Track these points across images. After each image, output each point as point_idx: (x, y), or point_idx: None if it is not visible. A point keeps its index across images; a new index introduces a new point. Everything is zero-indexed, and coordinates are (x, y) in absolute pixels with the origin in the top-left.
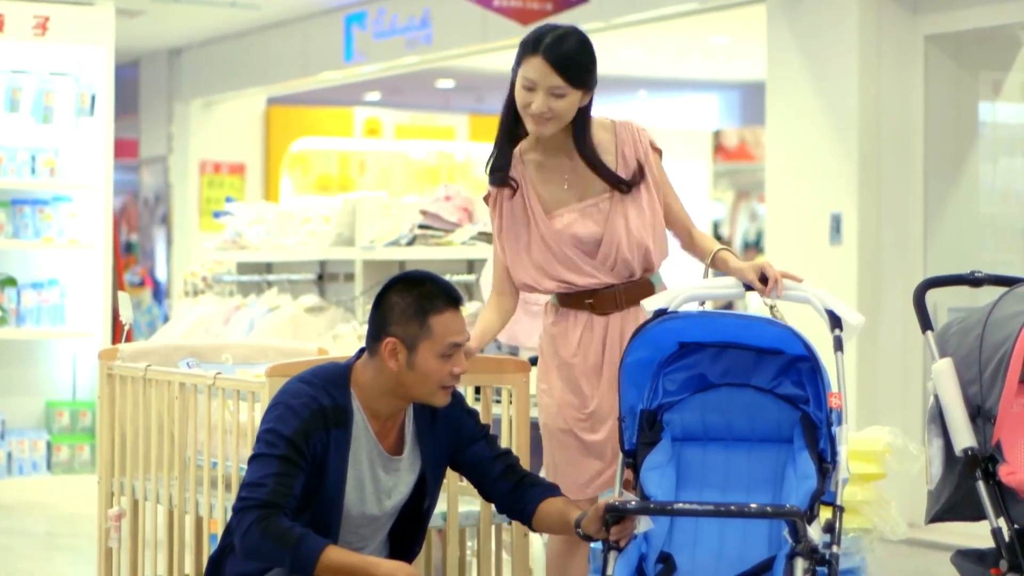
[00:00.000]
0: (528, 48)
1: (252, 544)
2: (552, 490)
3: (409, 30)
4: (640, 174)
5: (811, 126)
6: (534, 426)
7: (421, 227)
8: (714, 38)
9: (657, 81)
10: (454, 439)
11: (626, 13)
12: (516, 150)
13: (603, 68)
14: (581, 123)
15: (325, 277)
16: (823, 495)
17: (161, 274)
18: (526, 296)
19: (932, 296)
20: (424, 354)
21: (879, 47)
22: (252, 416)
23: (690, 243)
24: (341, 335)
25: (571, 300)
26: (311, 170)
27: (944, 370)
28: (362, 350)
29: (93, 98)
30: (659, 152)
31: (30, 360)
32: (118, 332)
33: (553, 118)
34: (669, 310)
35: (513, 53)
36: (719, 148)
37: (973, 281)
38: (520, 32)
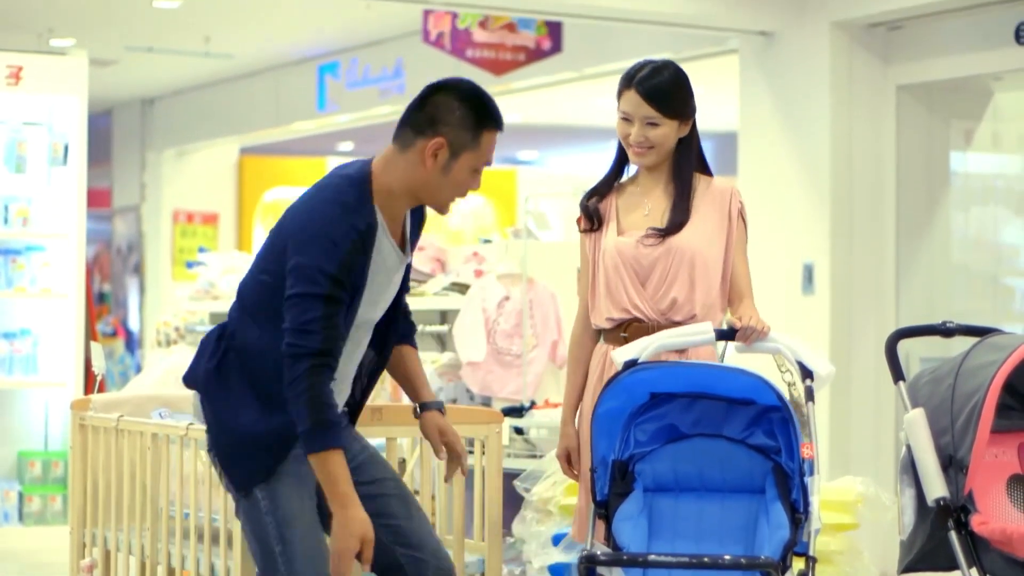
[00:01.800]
0: (624, 82)
1: (296, 392)
2: (408, 337)
3: (382, 80)
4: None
5: (783, 175)
6: (507, 476)
7: None
8: None
9: None
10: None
11: (598, 64)
12: (617, 181)
13: (576, 118)
14: (682, 154)
15: None
16: (796, 545)
17: (134, 324)
18: (500, 346)
19: (904, 346)
20: (463, 163)
21: (851, 97)
22: None
23: (734, 308)
24: None
25: (610, 336)
26: None
27: (916, 420)
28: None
29: (66, 147)
30: (744, 224)
31: (2, 410)
32: (90, 382)
33: (651, 147)
34: (640, 360)
35: None
36: None
37: (945, 331)
38: (493, 82)
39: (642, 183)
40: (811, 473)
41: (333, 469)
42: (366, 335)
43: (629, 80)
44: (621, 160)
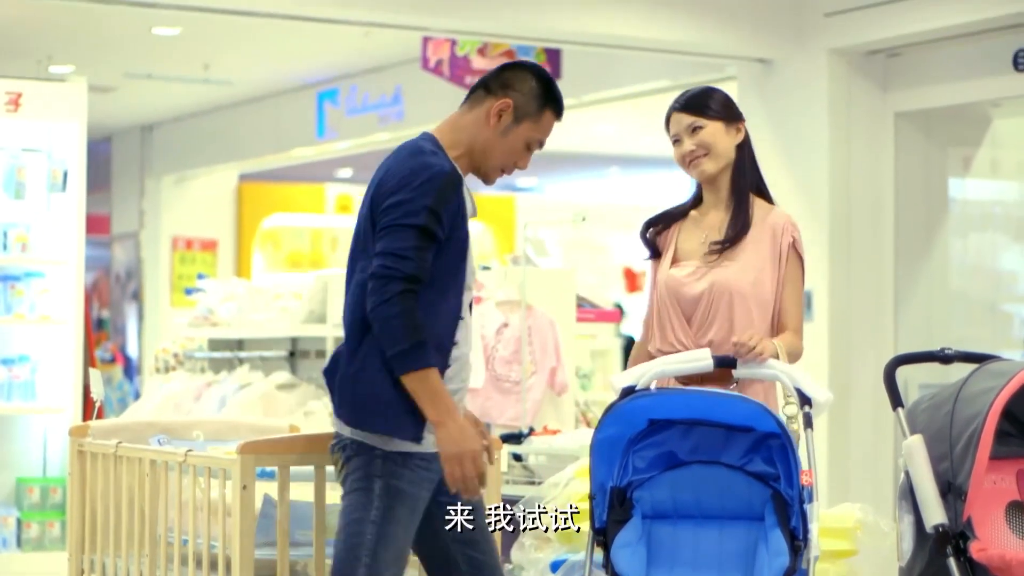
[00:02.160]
0: (667, 114)
1: (390, 313)
2: None
3: (381, 107)
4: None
5: (781, 202)
6: (505, 502)
7: None
8: None
9: (629, 157)
10: None
11: (598, 90)
12: (683, 213)
13: (575, 144)
14: (739, 164)
15: (297, 354)
16: (795, 573)
17: (132, 350)
18: (498, 373)
19: (903, 372)
20: (522, 131)
21: (849, 124)
22: (223, 493)
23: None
24: (312, 412)
25: None
26: (283, 246)
27: (915, 447)
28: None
29: (65, 174)
30: (800, 257)
31: (0, 435)
32: (89, 409)
33: (705, 153)
34: (638, 387)
35: None
36: None
37: (943, 358)
38: None
39: (704, 206)
40: (810, 500)
41: (434, 384)
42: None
43: (670, 109)
44: (697, 194)
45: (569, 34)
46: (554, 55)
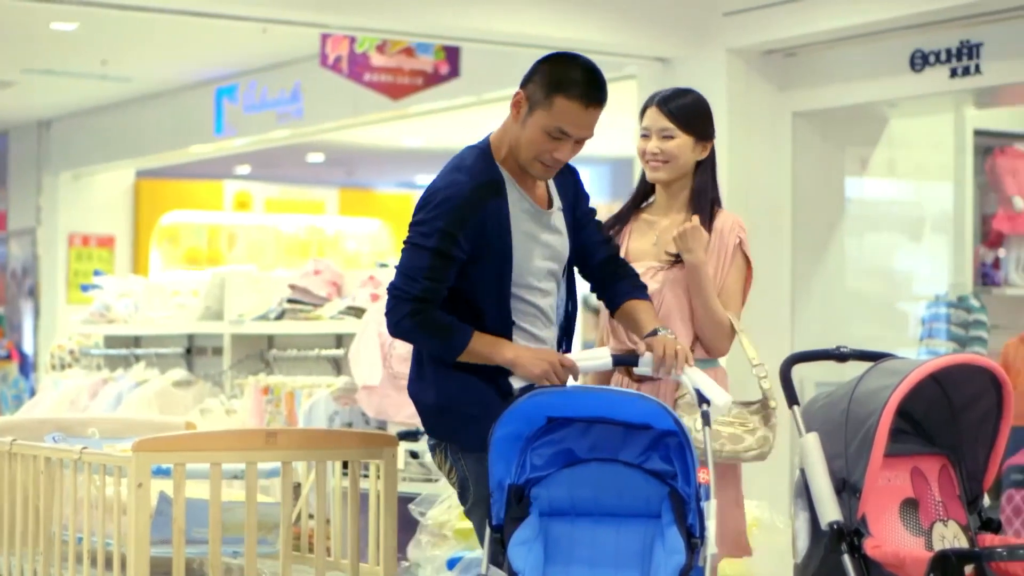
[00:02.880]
0: (647, 102)
1: (405, 331)
2: (638, 291)
3: (280, 103)
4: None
5: None
6: (402, 500)
7: (290, 301)
8: None
9: None
10: (576, 204)
11: (496, 88)
12: (636, 208)
13: (473, 143)
14: (701, 179)
15: (193, 351)
16: (692, 570)
17: (28, 347)
18: (395, 371)
19: (799, 371)
20: (535, 120)
21: (747, 123)
22: (118, 491)
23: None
24: (209, 409)
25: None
26: (180, 243)
27: (810, 444)
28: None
29: None
30: (745, 257)
31: None
32: None
33: (666, 161)
34: (537, 385)
35: (384, 128)
36: None
37: (839, 356)
38: (390, 106)
39: (656, 209)
40: (707, 498)
41: (482, 347)
42: (544, 297)
43: (653, 99)
44: (641, 188)
45: (468, 31)
46: (453, 53)
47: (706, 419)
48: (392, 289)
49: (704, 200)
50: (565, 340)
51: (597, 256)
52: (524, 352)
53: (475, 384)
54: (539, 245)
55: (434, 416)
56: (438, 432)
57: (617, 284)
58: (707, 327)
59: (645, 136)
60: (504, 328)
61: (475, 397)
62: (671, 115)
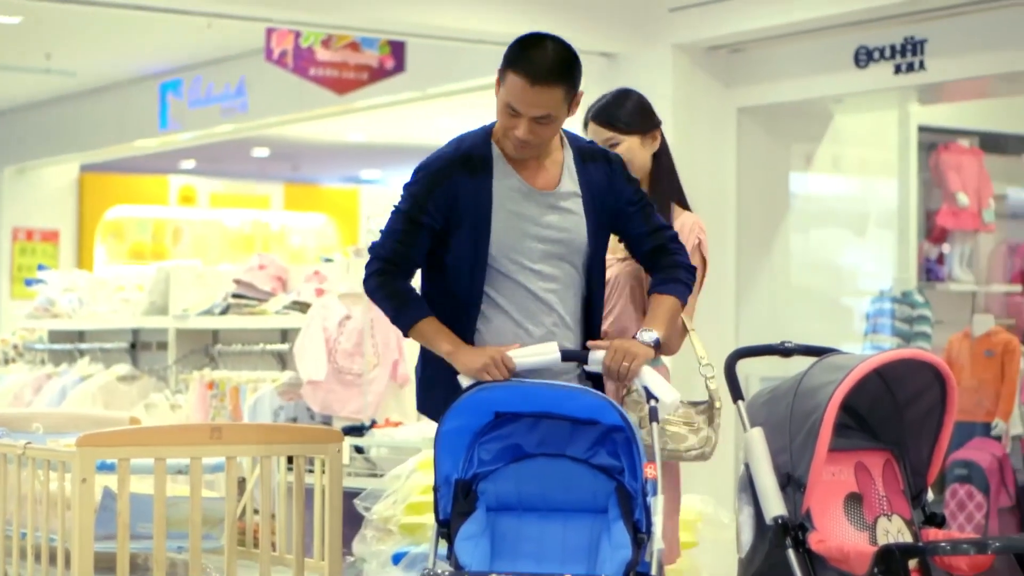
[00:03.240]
0: (585, 119)
1: (369, 290)
2: (663, 284)
3: (225, 98)
4: None
5: None
6: (347, 495)
7: (235, 296)
8: None
9: None
10: (608, 193)
11: (442, 83)
12: None
13: (419, 138)
14: (657, 173)
15: (138, 346)
16: (638, 565)
17: None
18: (340, 366)
19: (744, 366)
20: (500, 97)
21: (692, 119)
22: (62, 486)
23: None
24: (154, 404)
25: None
26: (125, 238)
27: (755, 439)
28: None
29: None
30: (703, 258)
31: None
32: None
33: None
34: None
35: (329, 121)
36: None
37: (783, 351)
38: (336, 101)
39: None
40: (654, 493)
41: (430, 332)
42: (541, 281)
43: (588, 115)
44: None
45: (413, 26)
46: (398, 48)
47: (653, 415)
48: (369, 248)
49: (662, 191)
50: (590, 332)
51: (642, 247)
52: (464, 347)
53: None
54: (530, 224)
55: (421, 391)
56: (422, 407)
57: (653, 276)
58: (670, 337)
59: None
60: (474, 300)
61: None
62: (609, 124)
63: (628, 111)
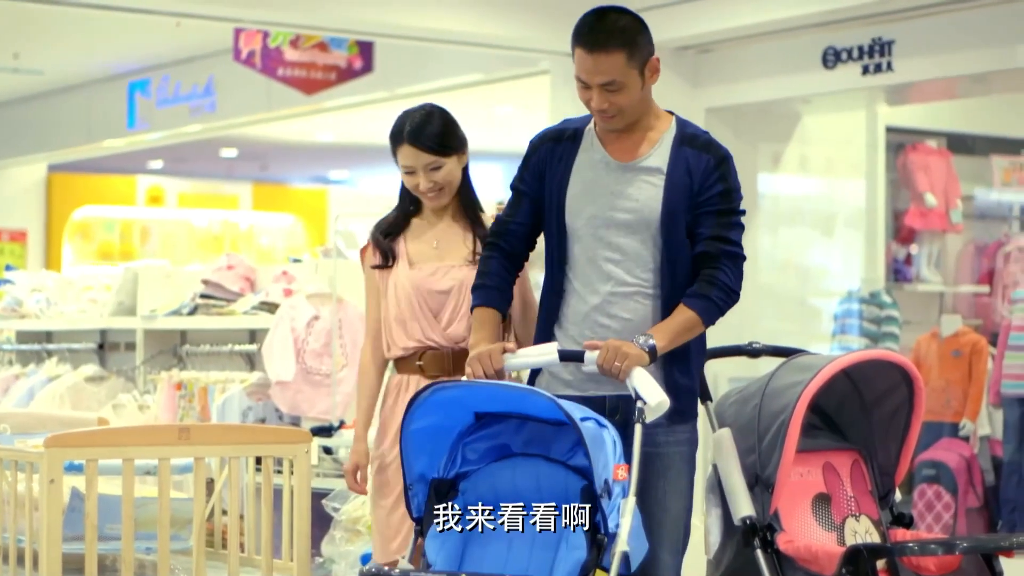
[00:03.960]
0: (395, 140)
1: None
2: (690, 297)
3: (193, 98)
4: None
5: None
6: (316, 496)
7: (203, 296)
8: (498, 108)
9: None
10: (695, 182)
11: (410, 83)
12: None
13: (387, 138)
14: (466, 184)
15: (106, 346)
16: (597, 567)
17: None
18: (309, 366)
19: (712, 367)
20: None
21: None
22: (30, 487)
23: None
24: (122, 405)
25: (405, 364)
26: (93, 238)
27: (723, 440)
28: None
29: None
30: None
31: None
32: None
33: (441, 188)
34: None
35: (297, 122)
36: None
37: (751, 352)
38: (304, 101)
39: (426, 215)
40: (624, 495)
41: (475, 323)
42: (611, 251)
43: (399, 137)
44: (407, 201)
45: (382, 27)
46: (367, 48)
47: (639, 417)
48: None
49: (471, 200)
50: (667, 308)
51: (696, 248)
52: (476, 342)
53: None
54: (602, 194)
55: None
56: None
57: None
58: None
59: (411, 173)
60: (559, 267)
61: None
62: (429, 149)
63: (445, 133)
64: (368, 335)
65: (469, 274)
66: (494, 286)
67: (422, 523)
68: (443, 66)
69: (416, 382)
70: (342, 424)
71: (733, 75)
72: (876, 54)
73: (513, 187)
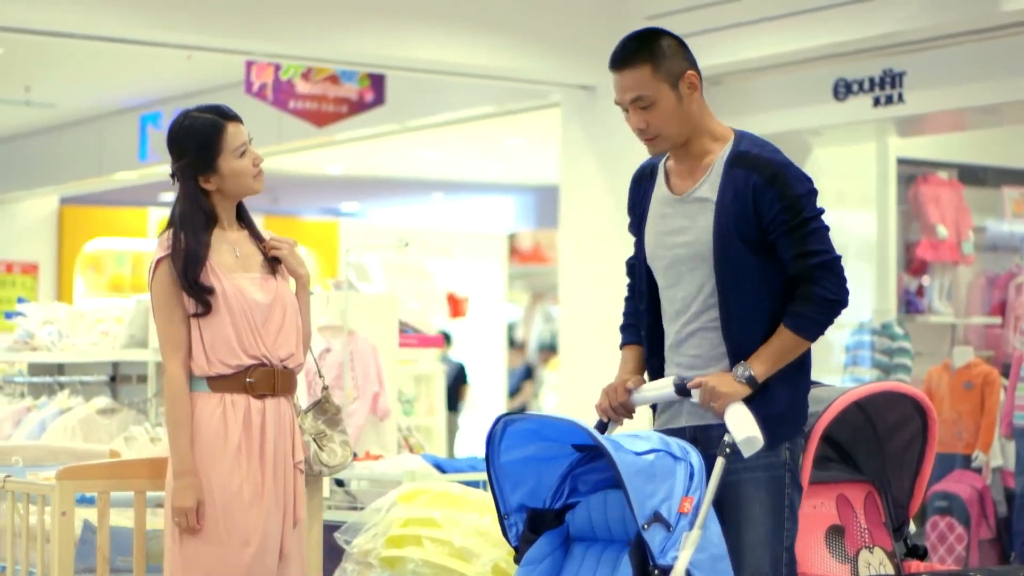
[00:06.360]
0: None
1: None
2: (788, 316)
3: None
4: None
5: (603, 227)
6: (327, 528)
7: None
8: (509, 140)
9: (453, 183)
10: (750, 204)
11: (421, 116)
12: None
13: (398, 170)
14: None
15: (118, 379)
16: None
17: None
18: None
19: None
20: None
21: None
22: (42, 519)
23: None
24: (133, 437)
25: (230, 382)
26: (105, 270)
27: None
28: None
29: None
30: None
31: None
32: None
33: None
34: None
35: (308, 154)
36: (514, 251)
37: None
38: (315, 134)
39: (219, 228)
40: (689, 528)
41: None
42: (678, 283)
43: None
44: (202, 212)
45: (393, 59)
46: (378, 80)
47: (721, 450)
48: None
49: (246, 215)
50: (732, 338)
51: (788, 272)
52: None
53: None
54: (663, 229)
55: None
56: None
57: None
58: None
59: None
60: (653, 311)
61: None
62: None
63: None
64: (175, 355)
65: (281, 284)
66: (632, 324)
67: (519, 551)
68: (454, 99)
69: (244, 401)
70: (354, 456)
71: (744, 107)
72: (887, 86)
73: (629, 229)
